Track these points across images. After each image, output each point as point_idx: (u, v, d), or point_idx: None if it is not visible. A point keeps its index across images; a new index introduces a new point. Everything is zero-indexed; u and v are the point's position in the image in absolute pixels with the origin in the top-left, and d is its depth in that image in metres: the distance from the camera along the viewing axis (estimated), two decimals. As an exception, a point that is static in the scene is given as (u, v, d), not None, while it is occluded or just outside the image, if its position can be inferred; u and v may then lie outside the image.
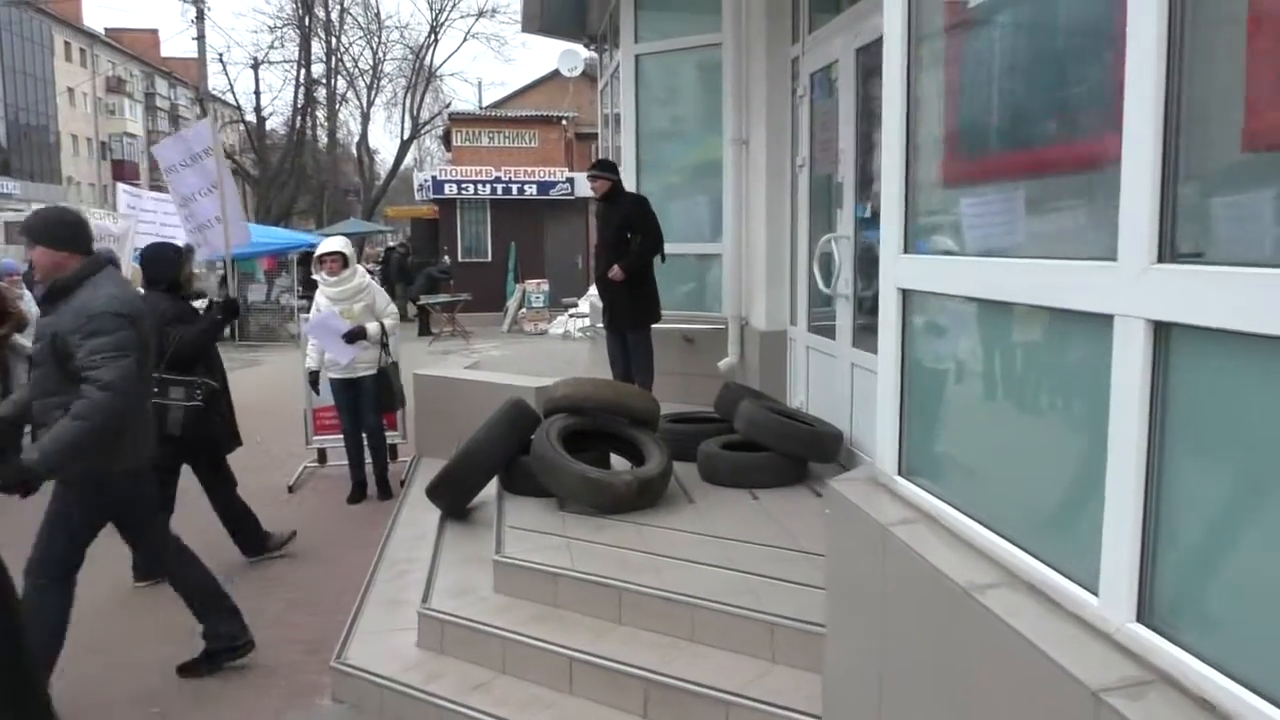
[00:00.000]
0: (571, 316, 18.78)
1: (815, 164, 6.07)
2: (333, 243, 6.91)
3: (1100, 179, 1.79)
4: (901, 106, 2.40)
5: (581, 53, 30.28)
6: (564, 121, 29.88)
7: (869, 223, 5.29)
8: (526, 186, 23.25)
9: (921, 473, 2.41)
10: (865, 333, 5.37)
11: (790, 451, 5.20)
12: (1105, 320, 1.62)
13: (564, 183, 23.64)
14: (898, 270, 2.45)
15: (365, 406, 6.75)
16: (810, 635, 3.42)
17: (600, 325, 7.82)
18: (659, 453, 5.06)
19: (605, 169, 6.75)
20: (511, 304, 20.44)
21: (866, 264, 5.31)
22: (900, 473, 2.50)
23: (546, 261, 23.08)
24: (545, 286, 20.26)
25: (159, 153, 6.96)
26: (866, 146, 5.26)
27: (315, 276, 6.51)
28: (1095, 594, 1.68)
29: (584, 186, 24.31)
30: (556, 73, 31.21)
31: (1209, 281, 1.43)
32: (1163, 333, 1.51)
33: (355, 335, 6.65)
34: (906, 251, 2.42)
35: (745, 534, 4.39)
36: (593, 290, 19.40)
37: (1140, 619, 1.58)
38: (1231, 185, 1.49)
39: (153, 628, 4.67)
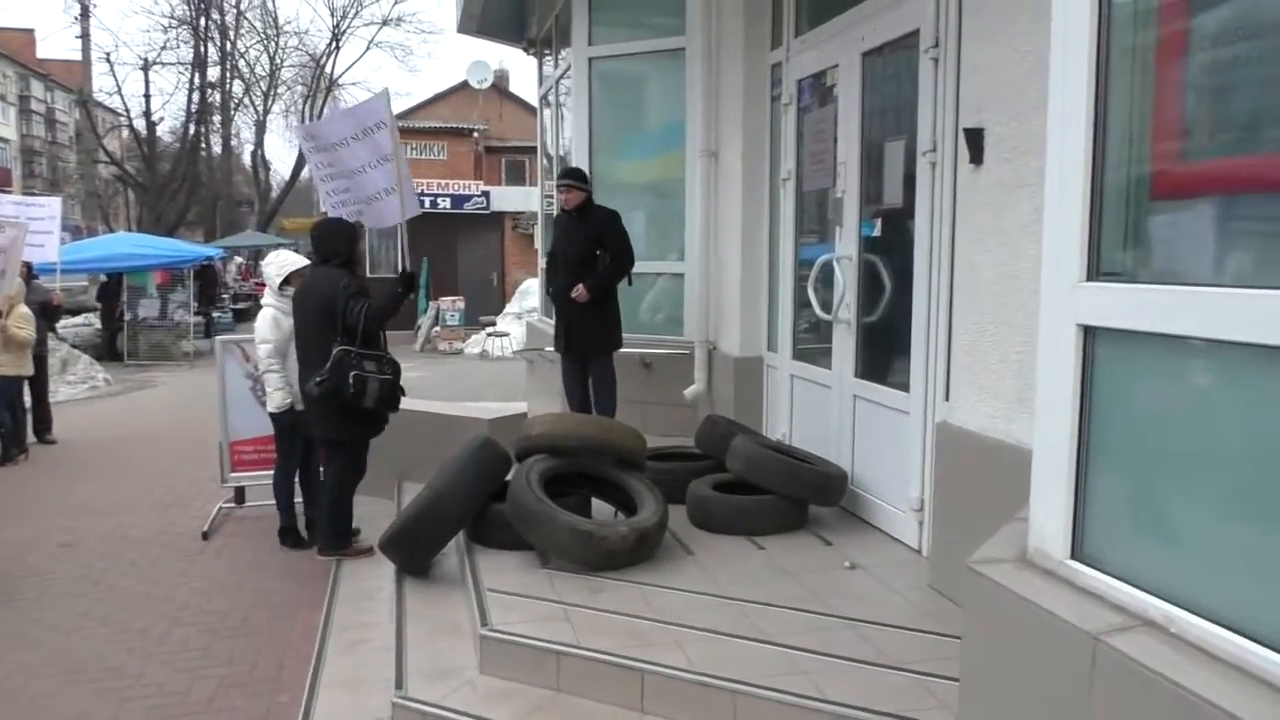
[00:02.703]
0: (490, 335, 18.05)
1: (804, 178, 5.59)
2: (297, 256, 6.15)
3: None
4: (1088, 90, 1.89)
5: (490, 64, 29.91)
6: (475, 134, 29.16)
7: (875, 242, 4.84)
8: (440, 200, 22.38)
9: (1110, 558, 1.90)
10: (870, 362, 4.91)
11: (794, 494, 4.69)
12: None
13: (479, 196, 22.90)
14: (1079, 301, 1.94)
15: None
16: (883, 730, 2.89)
17: (547, 349, 7.20)
18: (652, 498, 4.48)
19: (580, 179, 6.17)
20: (425, 322, 19.55)
21: (872, 287, 4.85)
22: (1075, 556, 1.98)
23: (460, 278, 22.24)
24: (460, 304, 19.45)
25: (320, 128, 6.50)
26: (874, 159, 4.81)
27: (276, 296, 5.74)
28: None
29: (499, 201, 23.69)
30: (465, 84, 30.58)
31: None
32: None
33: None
34: (1095, 279, 1.91)
35: (765, 595, 3.85)
36: (519, 307, 18.67)
37: None
38: None
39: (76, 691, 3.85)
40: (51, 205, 11.11)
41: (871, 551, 4.40)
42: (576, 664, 3.38)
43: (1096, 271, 1.93)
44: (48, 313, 9.86)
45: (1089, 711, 1.76)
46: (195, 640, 4.64)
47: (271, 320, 5.66)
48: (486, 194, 23.18)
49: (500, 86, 31.43)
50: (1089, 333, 1.94)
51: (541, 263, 8.68)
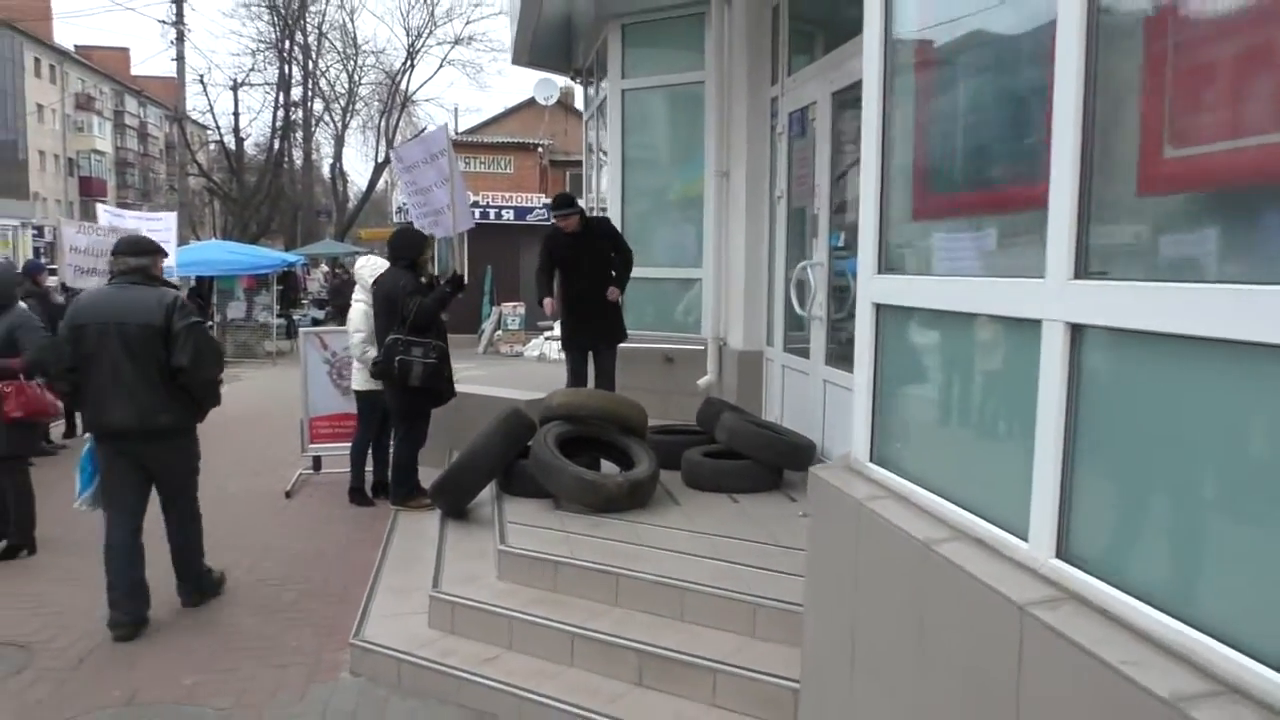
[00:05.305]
0: (547, 339, 19.17)
1: (792, 196, 6.55)
2: (385, 262, 7.24)
3: (1028, 216, 2.26)
4: (877, 148, 2.86)
5: (557, 81, 31.05)
6: (539, 149, 30.50)
7: (841, 251, 5.78)
8: (504, 211, 23.65)
9: (890, 458, 2.85)
10: (836, 352, 5.84)
11: (768, 460, 5.64)
12: (1034, 324, 2.07)
13: (540, 209, 24.04)
14: (872, 288, 2.90)
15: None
16: (789, 614, 3.85)
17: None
18: (647, 458, 5.48)
19: (573, 204, 6.87)
20: (488, 326, 20.78)
21: (838, 289, 5.78)
22: (872, 459, 2.93)
23: (522, 285, 23.40)
24: (521, 309, 20.62)
25: (402, 151, 7.90)
26: (839, 181, 5.76)
27: (367, 293, 6.91)
28: (1025, 540, 2.12)
29: (559, 213, 24.89)
30: (532, 100, 31.97)
31: (1115, 293, 1.88)
32: (1079, 332, 1.97)
33: None
34: (881, 273, 2.88)
35: (728, 531, 4.82)
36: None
37: (1059, 556, 2.02)
38: (1130, 220, 1.96)
39: (176, 607, 4.99)
40: (169, 219, 12.50)
41: (826, 505, 5.33)
42: (570, 571, 4.41)
43: (884, 268, 2.89)
44: None
45: (856, 550, 2.72)
46: (279, 567, 5.78)
47: (362, 314, 6.83)
48: (548, 206, 24.40)
49: (565, 103, 32.70)
50: (879, 309, 2.91)
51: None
